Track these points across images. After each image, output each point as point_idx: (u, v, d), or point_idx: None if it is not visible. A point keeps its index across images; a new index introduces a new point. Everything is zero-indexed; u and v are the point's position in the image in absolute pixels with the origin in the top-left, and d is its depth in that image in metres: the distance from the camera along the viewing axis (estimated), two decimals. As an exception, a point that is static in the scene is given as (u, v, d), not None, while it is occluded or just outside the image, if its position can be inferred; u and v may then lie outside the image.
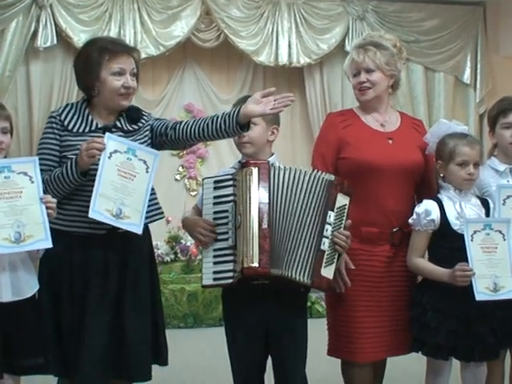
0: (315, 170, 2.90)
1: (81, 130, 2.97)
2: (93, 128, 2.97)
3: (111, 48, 2.95)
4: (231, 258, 2.82)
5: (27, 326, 2.80)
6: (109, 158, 2.79)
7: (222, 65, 7.27)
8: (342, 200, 2.87)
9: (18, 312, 2.77)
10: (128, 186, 2.82)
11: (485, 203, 3.17)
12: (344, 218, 2.89)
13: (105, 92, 2.95)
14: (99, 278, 2.93)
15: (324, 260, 2.81)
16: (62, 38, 6.43)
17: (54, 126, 2.98)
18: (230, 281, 2.81)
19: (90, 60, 2.94)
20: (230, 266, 2.81)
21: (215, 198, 2.92)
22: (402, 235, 3.18)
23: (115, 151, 2.81)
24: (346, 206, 2.89)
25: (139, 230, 2.85)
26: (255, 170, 2.82)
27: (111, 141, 2.82)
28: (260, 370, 3.01)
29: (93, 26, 6.51)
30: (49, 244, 2.70)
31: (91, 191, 2.78)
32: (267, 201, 2.80)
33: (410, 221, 3.12)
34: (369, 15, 7.20)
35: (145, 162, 2.86)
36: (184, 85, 7.20)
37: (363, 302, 3.15)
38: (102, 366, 2.91)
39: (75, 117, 2.99)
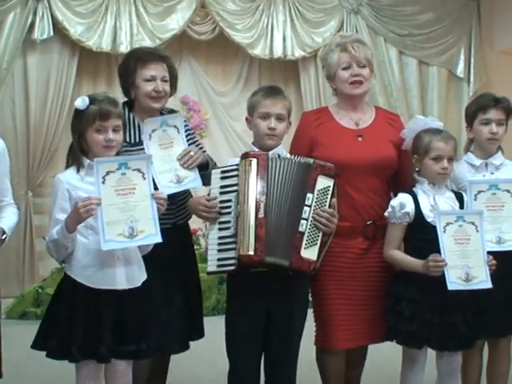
0: (294, 155, 3.00)
1: (137, 140, 3.26)
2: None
3: (144, 58, 3.33)
4: (233, 245, 2.90)
5: (138, 313, 2.88)
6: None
7: (218, 57, 7.32)
8: (324, 182, 2.95)
9: (130, 300, 2.86)
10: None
11: (459, 197, 3.24)
12: (328, 199, 2.96)
13: (139, 96, 3.31)
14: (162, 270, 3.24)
15: (304, 241, 2.89)
16: (59, 30, 6.50)
17: None
18: (233, 268, 2.90)
19: (128, 68, 3.34)
20: (232, 254, 2.90)
21: (221, 187, 3.00)
22: (376, 228, 3.25)
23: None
24: (330, 188, 2.97)
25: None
26: (254, 161, 2.93)
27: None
28: (257, 360, 3.09)
29: (89, 18, 6.59)
30: (159, 239, 2.79)
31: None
32: (265, 191, 2.89)
33: (386, 214, 3.19)
34: (363, 9, 7.25)
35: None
36: (180, 77, 7.07)
37: (336, 291, 3.22)
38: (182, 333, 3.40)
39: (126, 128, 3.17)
